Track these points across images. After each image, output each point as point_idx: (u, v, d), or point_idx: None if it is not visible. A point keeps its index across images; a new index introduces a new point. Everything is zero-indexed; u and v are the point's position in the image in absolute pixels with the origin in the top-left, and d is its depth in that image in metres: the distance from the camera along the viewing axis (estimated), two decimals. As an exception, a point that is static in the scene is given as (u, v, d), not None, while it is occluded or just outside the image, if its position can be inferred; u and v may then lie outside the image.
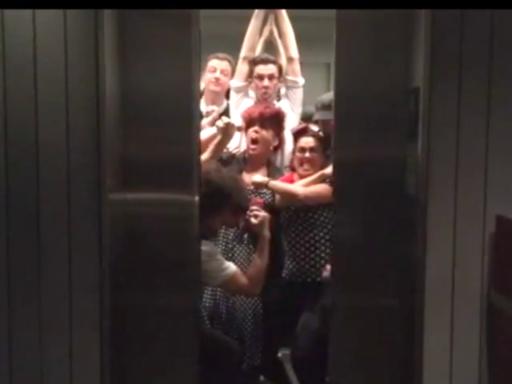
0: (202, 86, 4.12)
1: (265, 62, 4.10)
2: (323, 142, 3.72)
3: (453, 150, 2.67)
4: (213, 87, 4.20)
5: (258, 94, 4.09)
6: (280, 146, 3.99)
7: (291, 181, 3.76)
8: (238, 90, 4.21)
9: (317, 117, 3.93)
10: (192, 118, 2.87)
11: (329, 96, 3.78)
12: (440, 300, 2.70)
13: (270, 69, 4.07)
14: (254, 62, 4.15)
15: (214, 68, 4.20)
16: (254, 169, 3.86)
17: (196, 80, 2.91)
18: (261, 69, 4.08)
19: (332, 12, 2.84)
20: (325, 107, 3.80)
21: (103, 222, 2.67)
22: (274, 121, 3.87)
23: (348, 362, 3.01)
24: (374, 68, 2.82)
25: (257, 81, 4.08)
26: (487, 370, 2.73)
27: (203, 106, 4.12)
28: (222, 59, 4.23)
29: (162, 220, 2.89)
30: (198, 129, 3.02)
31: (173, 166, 2.86)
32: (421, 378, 2.73)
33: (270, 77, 4.06)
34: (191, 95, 2.85)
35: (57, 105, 2.66)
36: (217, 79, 4.19)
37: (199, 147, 2.99)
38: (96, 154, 2.65)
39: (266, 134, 3.82)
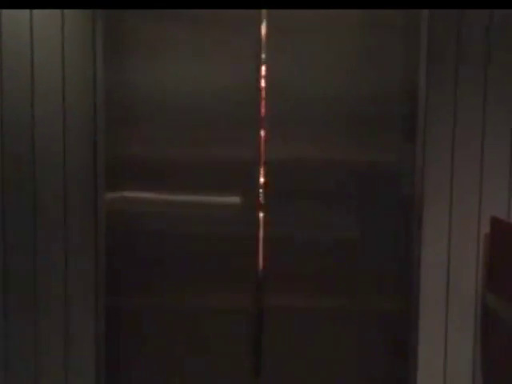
0: None
1: None
2: None
3: (448, 152, 2.69)
4: None
5: None
6: None
7: None
8: None
9: None
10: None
11: None
12: (434, 300, 2.72)
13: None
14: None
15: None
16: None
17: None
18: None
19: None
20: None
21: (99, 220, 2.68)
22: None
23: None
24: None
25: None
26: (481, 370, 2.74)
27: None
28: None
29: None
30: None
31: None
32: (415, 378, 2.74)
33: None
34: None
35: (53, 103, 2.66)
36: None
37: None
38: (92, 153, 2.66)
39: None
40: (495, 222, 2.67)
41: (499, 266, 2.63)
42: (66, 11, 2.64)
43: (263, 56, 2.92)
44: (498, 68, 2.67)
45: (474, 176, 2.69)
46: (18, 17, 2.64)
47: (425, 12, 2.66)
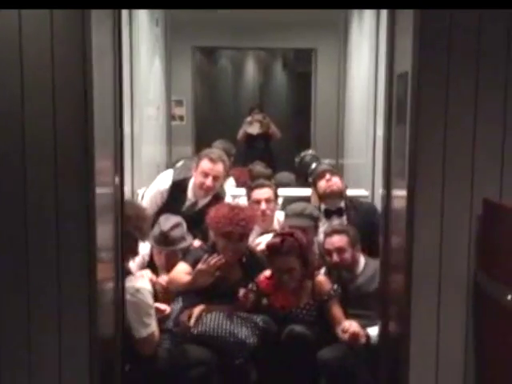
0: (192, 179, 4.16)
1: (260, 186, 4.26)
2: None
3: (440, 134, 2.69)
4: (203, 192, 4.15)
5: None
6: None
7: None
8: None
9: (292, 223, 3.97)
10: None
11: (300, 206, 4.06)
12: (427, 282, 2.73)
13: (266, 192, 4.21)
14: (250, 188, 4.32)
15: (206, 173, 4.09)
16: None
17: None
18: (257, 193, 4.21)
19: None
20: (297, 215, 3.99)
21: (91, 214, 2.65)
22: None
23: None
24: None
25: (254, 205, 4.16)
26: (473, 352, 2.77)
27: (190, 196, 4.18)
28: (215, 162, 4.11)
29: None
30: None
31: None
32: (408, 360, 2.76)
33: (267, 200, 4.18)
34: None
35: (44, 97, 2.62)
36: (207, 187, 4.12)
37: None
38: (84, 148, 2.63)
39: None
40: (487, 204, 2.68)
41: (491, 247, 2.65)
42: (55, 11, 2.58)
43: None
44: (490, 45, 2.66)
45: (465, 157, 2.69)
46: (7, 16, 2.58)
47: None
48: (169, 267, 3.68)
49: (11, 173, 2.64)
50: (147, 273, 3.63)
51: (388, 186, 2.96)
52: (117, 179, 2.89)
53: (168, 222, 3.77)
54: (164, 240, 3.71)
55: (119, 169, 2.92)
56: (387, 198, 2.96)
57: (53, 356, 2.71)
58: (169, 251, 3.72)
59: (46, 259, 2.67)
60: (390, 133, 2.96)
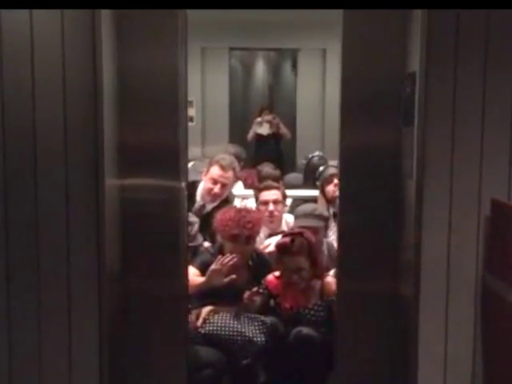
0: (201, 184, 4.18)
1: (268, 188, 4.27)
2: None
3: (448, 135, 2.68)
4: (210, 198, 4.16)
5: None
6: None
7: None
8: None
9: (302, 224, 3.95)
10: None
11: (310, 206, 4.10)
12: (435, 283, 2.72)
13: (274, 194, 4.22)
14: (258, 189, 4.34)
15: (215, 180, 4.10)
16: None
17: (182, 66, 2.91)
18: (265, 195, 4.21)
19: None
20: (307, 215, 3.99)
21: (100, 208, 2.68)
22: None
23: (346, 348, 3.04)
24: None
25: (262, 206, 4.18)
26: (482, 353, 2.75)
27: (199, 199, 4.18)
28: (226, 170, 4.11)
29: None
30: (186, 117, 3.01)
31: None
32: (416, 361, 2.76)
33: (275, 201, 4.18)
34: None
35: (54, 92, 2.65)
36: (215, 194, 4.13)
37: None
38: (94, 142, 2.65)
39: None
40: (496, 205, 2.67)
41: (499, 248, 2.64)
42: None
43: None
44: (497, 47, 2.65)
45: (474, 158, 2.68)
46: (18, 16, 2.61)
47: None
48: None
49: (23, 164, 2.68)
50: None
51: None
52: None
53: None
54: None
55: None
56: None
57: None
58: None
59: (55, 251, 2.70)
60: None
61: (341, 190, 3.01)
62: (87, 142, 2.67)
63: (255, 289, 3.58)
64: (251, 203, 4.42)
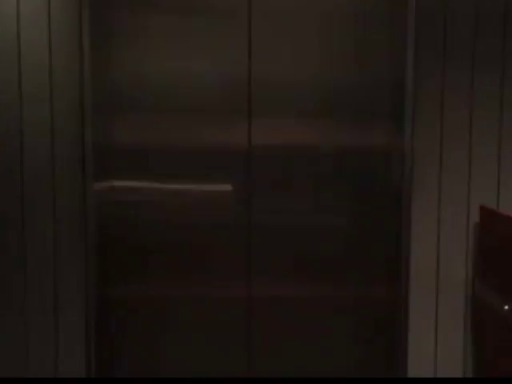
0: None
1: None
2: None
3: (437, 142, 2.68)
4: None
5: None
6: None
7: None
8: None
9: None
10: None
11: None
12: (424, 289, 2.73)
13: None
14: None
15: None
16: None
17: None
18: None
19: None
20: None
21: (88, 209, 2.68)
22: None
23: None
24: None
25: None
26: (471, 357, 2.76)
27: None
28: None
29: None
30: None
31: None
32: (405, 366, 2.76)
33: None
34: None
35: (41, 92, 2.64)
36: None
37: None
38: (80, 143, 2.65)
39: None
40: (484, 211, 2.67)
41: (488, 254, 2.64)
42: (52, 3, 2.61)
43: (251, 43, 2.89)
44: (485, 52, 2.64)
45: (462, 165, 2.68)
46: (5, 5, 2.60)
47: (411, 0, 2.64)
48: None
49: (9, 164, 2.68)
50: None
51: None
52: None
53: None
54: None
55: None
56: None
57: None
58: None
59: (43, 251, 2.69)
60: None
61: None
62: (74, 142, 2.66)
63: None
64: None
